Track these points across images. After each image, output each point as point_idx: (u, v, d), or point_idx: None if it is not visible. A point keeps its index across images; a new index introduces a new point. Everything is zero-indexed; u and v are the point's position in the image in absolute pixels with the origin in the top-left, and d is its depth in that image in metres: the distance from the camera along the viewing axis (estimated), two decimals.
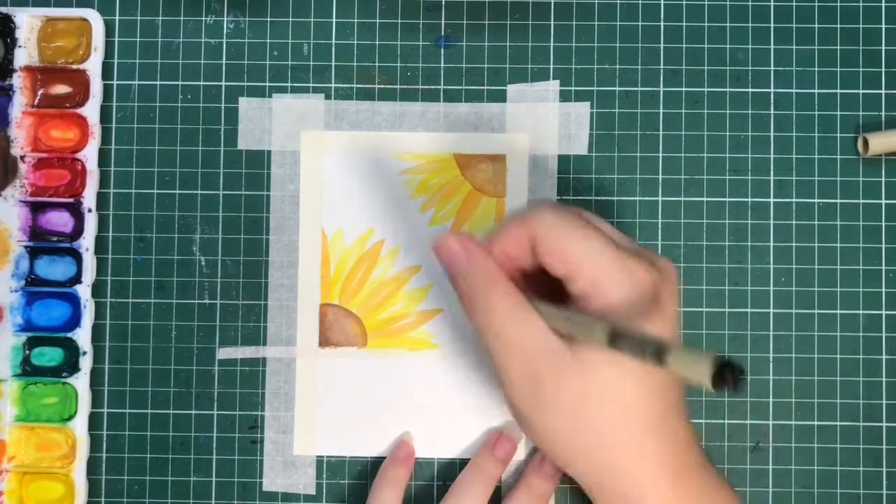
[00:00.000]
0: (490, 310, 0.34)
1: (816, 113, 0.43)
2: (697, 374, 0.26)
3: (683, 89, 0.43)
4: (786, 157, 0.43)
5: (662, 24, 0.43)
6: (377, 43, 0.43)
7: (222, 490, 0.42)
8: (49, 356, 0.42)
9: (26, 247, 0.42)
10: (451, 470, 0.42)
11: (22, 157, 0.42)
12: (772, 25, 0.43)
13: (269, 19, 0.43)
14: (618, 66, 0.43)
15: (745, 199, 0.43)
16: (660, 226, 0.43)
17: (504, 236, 0.35)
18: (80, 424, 0.41)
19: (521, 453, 0.42)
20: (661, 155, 0.43)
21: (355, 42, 0.43)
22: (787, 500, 0.42)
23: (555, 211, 0.34)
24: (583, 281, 0.33)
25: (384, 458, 0.42)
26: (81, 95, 0.42)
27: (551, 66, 0.43)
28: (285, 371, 0.42)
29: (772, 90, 0.43)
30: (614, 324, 0.31)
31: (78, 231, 0.42)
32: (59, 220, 0.42)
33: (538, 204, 0.36)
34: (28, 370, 0.42)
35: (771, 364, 0.42)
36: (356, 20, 0.43)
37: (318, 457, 0.42)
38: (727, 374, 0.25)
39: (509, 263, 0.35)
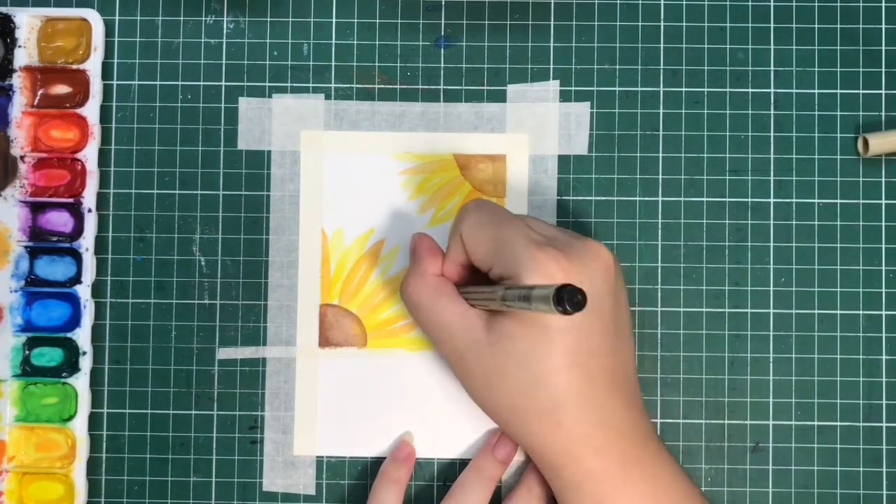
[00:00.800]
0: (419, 303, 0.38)
1: (816, 113, 0.43)
2: (547, 304, 0.29)
3: (683, 89, 0.43)
4: (786, 157, 0.43)
5: (662, 24, 0.43)
6: (377, 43, 0.43)
7: (222, 490, 0.42)
8: (49, 356, 0.42)
9: (26, 247, 0.42)
10: (452, 470, 0.42)
11: (22, 157, 0.42)
12: (772, 25, 0.43)
13: (268, 19, 0.43)
14: (618, 66, 0.43)
15: (745, 200, 0.43)
16: (660, 226, 0.43)
17: (451, 244, 0.38)
18: (79, 425, 0.41)
19: (521, 454, 0.42)
20: (661, 155, 0.43)
21: (355, 42, 0.43)
22: (786, 500, 0.42)
23: (474, 212, 0.37)
24: (499, 275, 0.36)
25: (384, 458, 0.42)
26: (81, 95, 0.42)
27: (551, 66, 0.43)
28: (285, 371, 0.42)
29: (772, 90, 0.43)
30: (507, 284, 0.34)
31: (78, 231, 0.42)
32: (59, 220, 0.42)
33: (465, 206, 0.38)
34: (28, 370, 0.42)
35: (771, 364, 0.42)
36: (356, 20, 0.43)
37: (318, 457, 0.42)
38: (565, 296, 0.29)
39: (461, 260, 0.38)
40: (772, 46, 0.43)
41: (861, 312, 0.42)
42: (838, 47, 0.43)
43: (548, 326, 0.34)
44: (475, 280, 0.39)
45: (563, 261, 0.34)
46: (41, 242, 0.42)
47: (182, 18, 0.43)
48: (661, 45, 0.43)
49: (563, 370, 0.34)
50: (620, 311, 0.37)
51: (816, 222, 0.42)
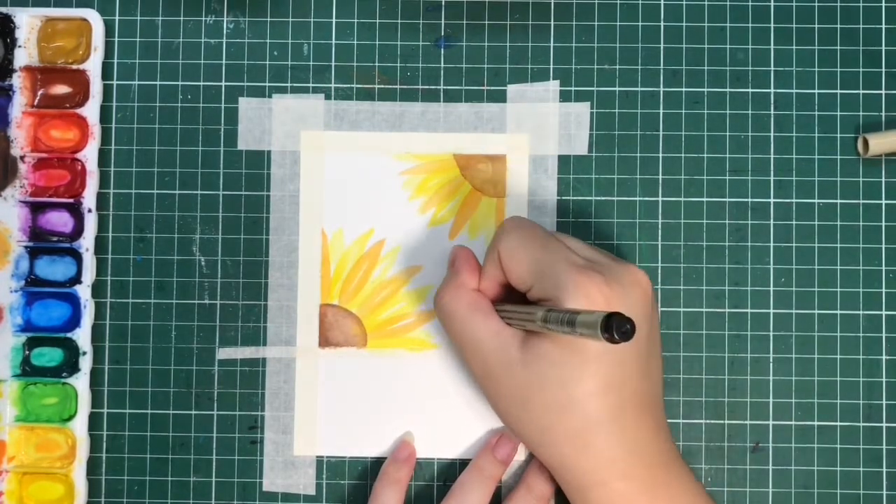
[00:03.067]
0: (453, 314, 0.38)
1: (816, 113, 0.43)
2: (594, 331, 0.29)
3: (683, 89, 0.43)
4: (786, 157, 0.43)
5: (662, 24, 0.43)
6: (377, 43, 0.43)
7: (222, 490, 0.42)
8: (49, 356, 0.42)
9: (26, 247, 0.42)
10: (452, 470, 0.42)
11: (22, 158, 0.42)
12: (772, 25, 0.43)
13: (269, 19, 0.43)
14: (618, 66, 0.43)
15: (745, 200, 0.43)
16: (660, 226, 0.43)
17: (488, 261, 0.38)
18: (79, 425, 0.41)
19: (521, 454, 0.42)
20: (661, 155, 0.43)
21: (355, 42, 0.43)
22: (786, 500, 0.42)
23: (513, 231, 0.37)
24: (538, 296, 0.36)
25: (384, 458, 0.42)
26: (81, 95, 0.42)
27: (551, 66, 0.43)
28: (285, 371, 0.42)
29: (772, 90, 0.43)
30: (548, 307, 0.34)
31: (78, 231, 0.42)
32: (59, 221, 0.42)
33: (504, 225, 0.38)
34: (28, 370, 0.42)
35: (771, 364, 0.42)
36: (356, 20, 0.43)
37: (318, 457, 0.42)
38: (614, 325, 0.29)
39: (498, 278, 0.38)
40: (772, 46, 0.43)
41: (861, 312, 0.42)
42: (838, 47, 0.43)
43: (584, 351, 0.34)
44: (511, 299, 0.39)
45: (604, 286, 0.34)
46: (41, 242, 0.42)
47: (182, 18, 0.43)
48: (661, 45, 0.43)
49: (595, 395, 0.34)
50: (654, 334, 0.37)
51: (816, 222, 0.42)
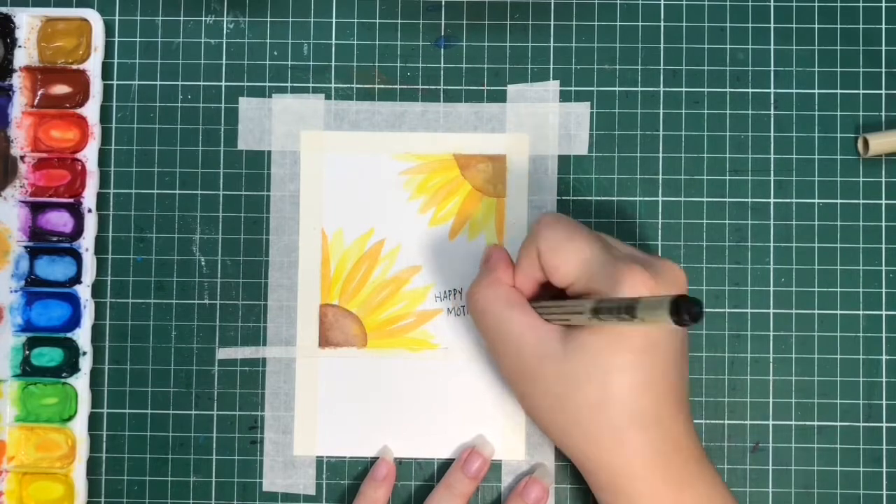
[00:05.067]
0: (488, 311, 0.37)
1: (816, 113, 0.43)
2: (660, 315, 0.29)
3: (683, 89, 0.43)
4: (786, 157, 0.43)
5: (662, 24, 0.43)
6: (377, 43, 0.43)
7: (222, 490, 0.42)
8: (49, 356, 0.42)
9: (26, 247, 0.42)
10: None
11: (22, 158, 0.42)
12: (772, 25, 0.43)
13: (269, 19, 0.43)
14: (618, 66, 0.43)
15: (745, 200, 0.43)
16: (660, 226, 0.43)
17: (524, 258, 0.38)
18: (79, 425, 0.41)
19: (521, 453, 0.42)
20: (661, 155, 0.43)
21: (355, 42, 0.43)
22: (787, 500, 0.42)
23: (552, 227, 0.37)
24: (581, 291, 0.36)
25: (384, 458, 0.42)
26: (81, 95, 0.42)
27: (551, 66, 0.43)
28: (285, 371, 0.42)
29: (772, 90, 0.43)
30: (598, 298, 0.34)
31: (78, 231, 0.42)
32: (59, 220, 0.42)
33: (541, 221, 0.37)
34: (28, 370, 0.42)
35: (771, 364, 0.42)
36: (356, 20, 0.43)
37: (318, 457, 0.42)
38: (683, 307, 0.28)
39: (534, 275, 0.38)
40: (772, 46, 0.43)
41: (861, 312, 0.42)
42: (838, 47, 0.43)
43: (629, 344, 0.34)
44: (544, 296, 0.38)
45: (650, 280, 0.34)
46: (41, 242, 0.42)
47: (182, 18, 0.43)
48: (661, 45, 0.43)
49: (635, 390, 0.34)
50: (686, 331, 0.37)
51: (816, 222, 0.42)
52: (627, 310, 0.31)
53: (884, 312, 0.42)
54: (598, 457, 0.35)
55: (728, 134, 0.43)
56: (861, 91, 0.43)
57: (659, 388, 0.35)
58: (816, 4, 0.43)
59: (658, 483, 0.35)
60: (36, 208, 0.42)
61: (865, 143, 0.42)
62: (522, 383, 0.37)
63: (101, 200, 0.43)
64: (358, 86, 0.43)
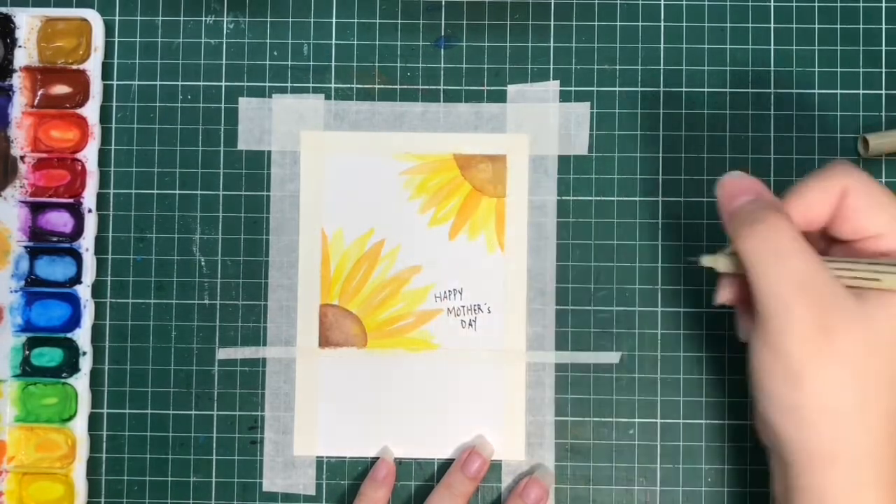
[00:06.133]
0: (768, 252, 0.32)
1: (816, 113, 0.43)
2: None
3: (683, 89, 0.43)
4: (786, 157, 0.43)
5: (662, 24, 0.43)
6: (377, 43, 0.43)
7: (222, 490, 0.42)
8: (49, 356, 0.42)
9: (26, 247, 0.42)
10: None
11: (22, 158, 0.42)
12: (772, 25, 0.43)
13: (269, 19, 0.43)
14: (618, 67, 0.43)
15: None
16: (660, 226, 0.43)
17: (808, 191, 0.34)
18: (79, 425, 0.41)
19: (521, 453, 0.42)
20: (661, 155, 0.43)
21: (355, 42, 0.43)
22: None
23: (865, 175, 0.33)
24: (875, 249, 0.33)
25: (384, 458, 0.42)
26: (81, 95, 0.42)
27: (551, 66, 0.43)
28: (285, 371, 0.42)
29: (772, 90, 0.43)
30: None
31: (78, 231, 0.42)
32: (59, 221, 0.42)
33: (841, 165, 0.34)
34: (28, 370, 0.42)
35: None
36: (356, 20, 0.43)
37: (318, 457, 0.42)
38: None
39: (816, 217, 0.34)
40: (772, 46, 0.43)
41: None
42: (838, 47, 0.43)
43: None
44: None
45: None
46: (41, 242, 0.42)
47: (182, 18, 0.43)
48: (661, 45, 0.43)
49: None
50: None
51: None
52: None
53: None
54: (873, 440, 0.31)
55: (728, 134, 0.43)
56: (861, 91, 0.43)
57: None
58: (816, 4, 0.43)
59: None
60: (36, 208, 0.42)
61: (865, 143, 0.42)
62: (816, 356, 0.31)
63: (101, 200, 0.43)
64: (358, 86, 0.43)
